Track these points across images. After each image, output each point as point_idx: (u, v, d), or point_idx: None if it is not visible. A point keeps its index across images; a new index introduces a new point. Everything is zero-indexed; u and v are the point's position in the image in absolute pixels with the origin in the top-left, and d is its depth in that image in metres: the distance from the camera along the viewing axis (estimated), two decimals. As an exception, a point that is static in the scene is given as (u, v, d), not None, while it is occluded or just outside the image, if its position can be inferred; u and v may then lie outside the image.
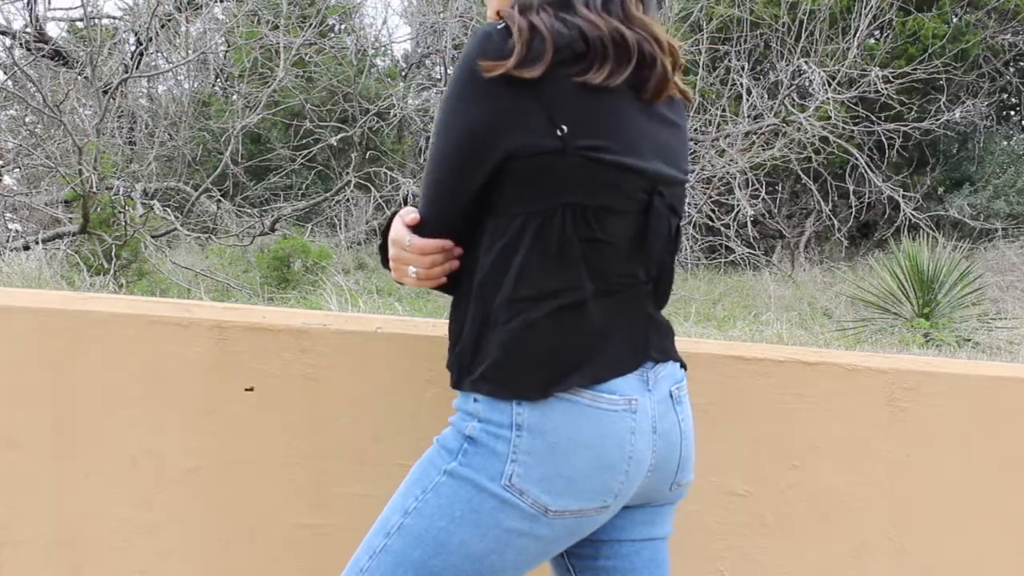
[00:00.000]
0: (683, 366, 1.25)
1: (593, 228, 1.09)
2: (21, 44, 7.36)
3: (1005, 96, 11.40)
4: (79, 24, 9.25)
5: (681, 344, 1.67)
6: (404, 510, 1.13)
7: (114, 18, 9.19)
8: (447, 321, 1.21)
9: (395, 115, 8.95)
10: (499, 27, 1.07)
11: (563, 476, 1.09)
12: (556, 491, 1.09)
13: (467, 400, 1.13)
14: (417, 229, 1.16)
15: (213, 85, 10.17)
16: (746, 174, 8.06)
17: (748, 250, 8.39)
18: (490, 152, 1.08)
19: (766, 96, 8.33)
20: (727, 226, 8.24)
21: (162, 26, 8.04)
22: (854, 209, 9.52)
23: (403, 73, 10.37)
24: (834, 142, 8.35)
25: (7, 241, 5.89)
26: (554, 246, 1.09)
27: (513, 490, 1.08)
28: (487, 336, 1.11)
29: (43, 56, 7.77)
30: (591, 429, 1.09)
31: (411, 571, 1.10)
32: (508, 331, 1.09)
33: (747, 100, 8.09)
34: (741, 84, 8.10)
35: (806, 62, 8.53)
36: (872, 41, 9.76)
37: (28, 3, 7.70)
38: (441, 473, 1.12)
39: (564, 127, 1.06)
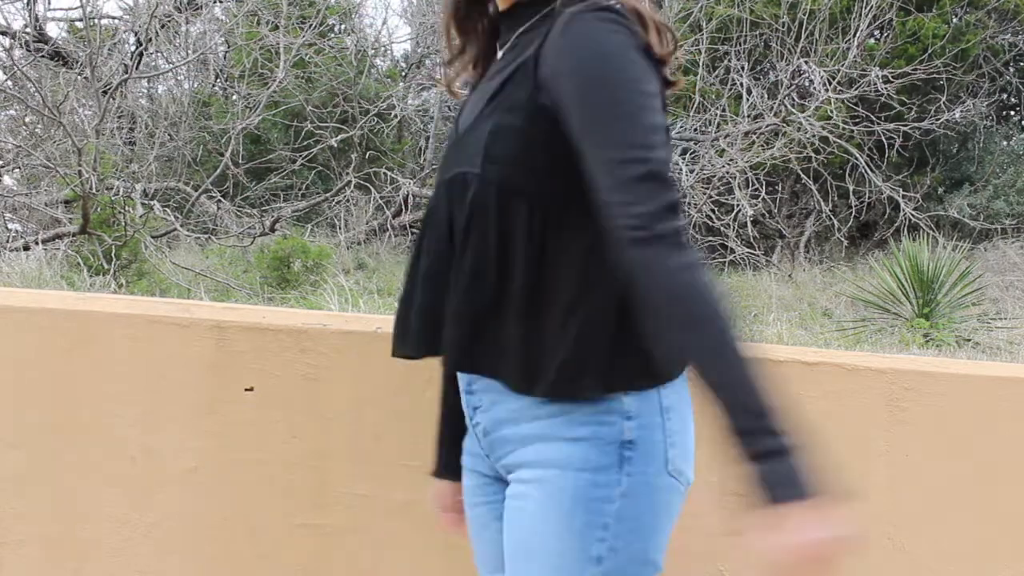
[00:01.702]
0: None
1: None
2: (21, 44, 7.36)
3: (1005, 96, 11.40)
4: (79, 24, 9.25)
5: (681, 344, 1.67)
6: (595, 558, 1.02)
7: (114, 18, 9.19)
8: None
9: (395, 116, 8.95)
10: (615, 5, 0.99)
11: (690, 449, 1.12)
12: (690, 464, 1.12)
13: (610, 403, 1.04)
14: (664, 184, 0.95)
15: (213, 85, 10.17)
16: (746, 174, 8.06)
17: (748, 250, 8.39)
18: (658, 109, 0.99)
19: (766, 96, 8.32)
20: (727, 226, 8.23)
21: (162, 26, 8.04)
22: (854, 209, 9.52)
23: (403, 73, 10.37)
24: (834, 142, 8.35)
25: (7, 241, 5.89)
26: None
27: (675, 473, 1.09)
28: (628, 329, 1.03)
29: (43, 56, 7.77)
30: (689, 399, 1.13)
31: None
32: (631, 320, 1.04)
33: (747, 100, 8.09)
34: (741, 84, 8.10)
35: (806, 62, 8.53)
36: (872, 41, 9.76)
37: (28, 3, 7.71)
38: (615, 501, 1.03)
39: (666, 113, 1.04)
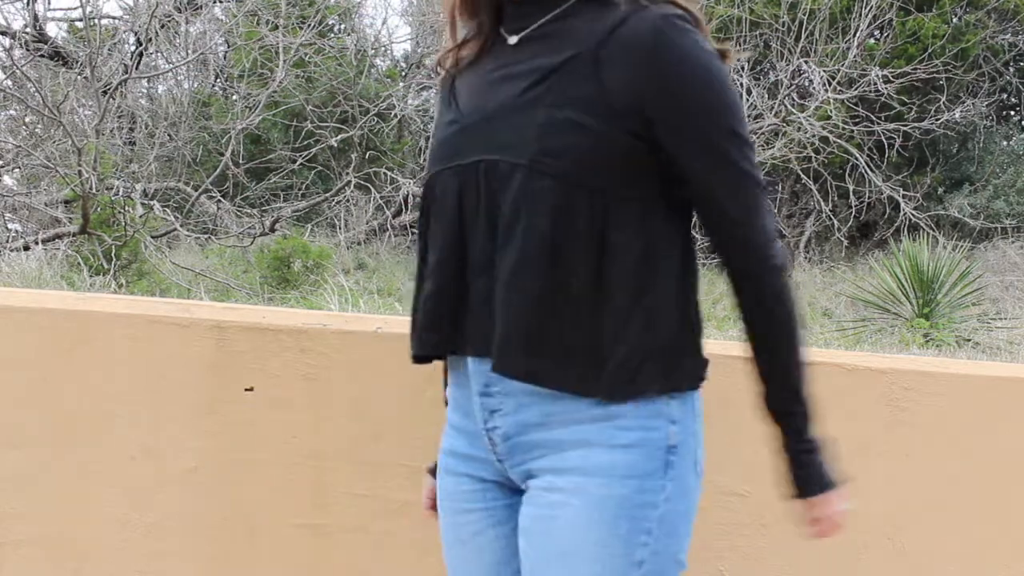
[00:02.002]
0: None
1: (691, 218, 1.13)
2: (21, 44, 7.36)
3: (1005, 96, 11.40)
4: (79, 24, 9.24)
5: (681, 344, 1.67)
6: (638, 563, 1.03)
7: (114, 18, 9.19)
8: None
9: (395, 115, 8.95)
10: (687, 12, 1.04)
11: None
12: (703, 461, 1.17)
13: (658, 405, 1.05)
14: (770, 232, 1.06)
15: (213, 85, 10.17)
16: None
17: (748, 250, 8.37)
18: None
19: (766, 96, 8.32)
20: (727, 226, 8.22)
21: (162, 26, 8.04)
22: (854, 209, 9.52)
23: (403, 73, 10.37)
24: (834, 142, 8.35)
25: (7, 241, 5.89)
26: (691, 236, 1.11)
27: (700, 472, 1.14)
28: (685, 331, 1.09)
29: (42, 56, 7.77)
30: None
31: None
32: (698, 321, 1.12)
33: (747, 100, 8.09)
34: (741, 84, 8.09)
35: (806, 62, 8.53)
36: (872, 41, 9.76)
37: (28, 3, 7.71)
38: (660, 505, 1.05)
39: None
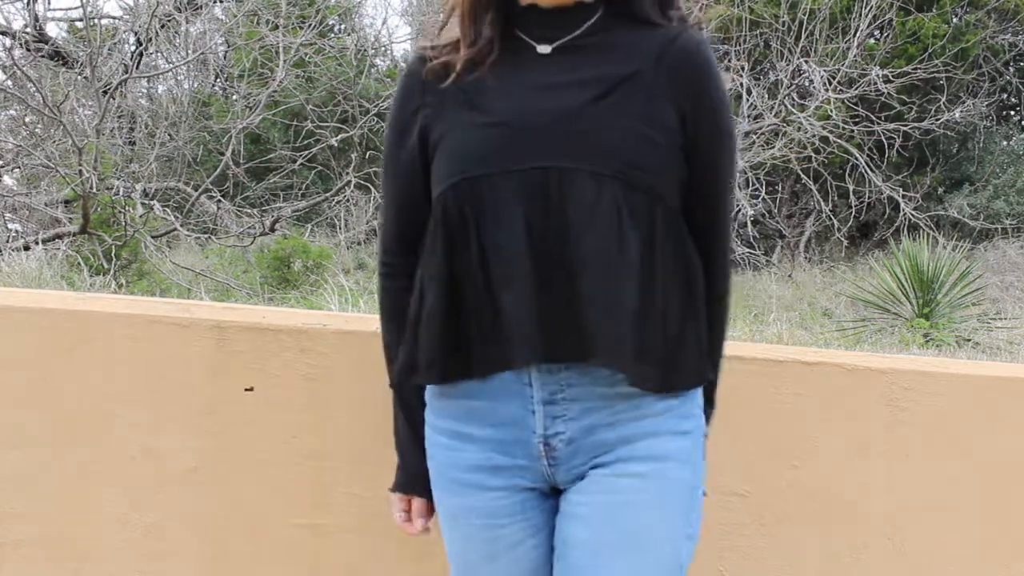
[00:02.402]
0: None
1: None
2: (21, 44, 7.36)
3: (1005, 96, 11.39)
4: (79, 24, 9.24)
5: (681, 344, 1.67)
6: (688, 536, 1.15)
7: (114, 18, 9.19)
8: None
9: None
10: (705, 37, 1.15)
11: None
12: None
13: (693, 396, 1.17)
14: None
15: (213, 85, 10.17)
16: (746, 174, 8.05)
17: (748, 250, 8.39)
18: None
19: (766, 96, 8.31)
20: (727, 226, 8.21)
21: (162, 26, 8.03)
22: (854, 209, 9.51)
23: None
24: (834, 142, 8.34)
25: (7, 241, 5.89)
26: None
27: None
28: (706, 328, 1.17)
29: (43, 56, 7.77)
30: None
31: None
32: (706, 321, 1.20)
33: (747, 100, 8.08)
34: (741, 84, 8.09)
35: (806, 62, 8.52)
36: (872, 41, 9.75)
37: (28, 3, 7.70)
38: (699, 487, 1.19)
39: None
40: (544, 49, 1.11)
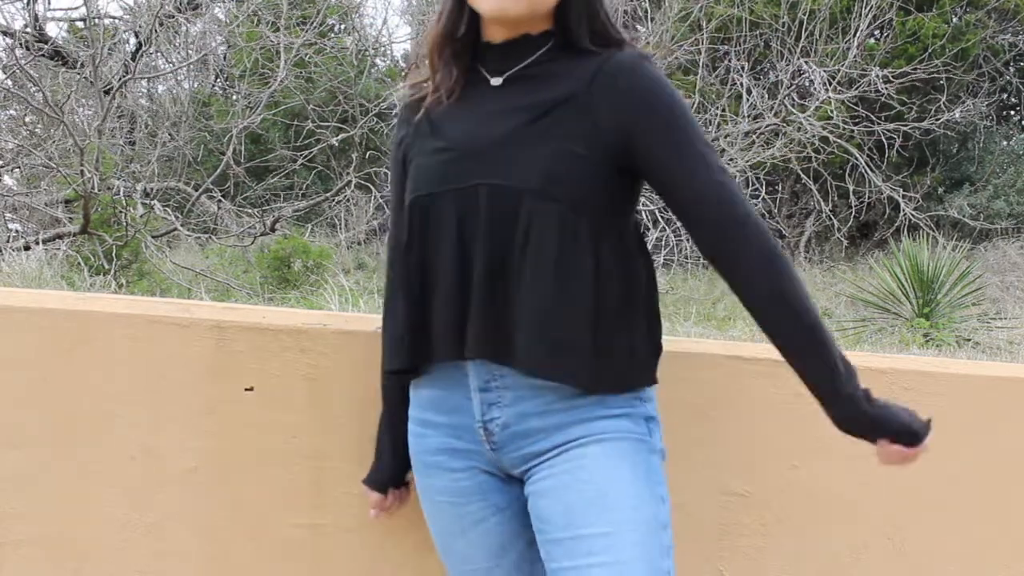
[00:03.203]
0: None
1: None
2: (21, 44, 7.35)
3: (1005, 96, 11.39)
4: (79, 24, 9.24)
5: (681, 344, 1.67)
6: (661, 498, 1.20)
7: (114, 18, 9.19)
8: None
9: (395, 115, 8.93)
10: (650, 55, 1.22)
11: None
12: None
13: (642, 392, 1.24)
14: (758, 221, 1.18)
15: (213, 85, 10.17)
16: (746, 174, 8.05)
17: (748, 250, 8.36)
18: None
19: (766, 96, 8.31)
20: (727, 226, 8.21)
21: (161, 25, 8.03)
22: (854, 209, 9.51)
23: (403, 73, 10.35)
24: (834, 142, 8.34)
25: (7, 241, 5.89)
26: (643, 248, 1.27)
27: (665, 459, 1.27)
28: (654, 332, 1.25)
29: (43, 56, 7.77)
30: None
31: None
32: (658, 328, 1.27)
33: (747, 100, 8.08)
34: (741, 84, 8.09)
35: (806, 62, 8.52)
36: (872, 41, 9.75)
37: (28, 3, 7.70)
38: (656, 453, 1.24)
39: None
40: (496, 81, 1.24)
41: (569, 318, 1.16)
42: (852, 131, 8.54)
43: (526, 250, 1.15)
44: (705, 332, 5.39)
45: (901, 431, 1.21)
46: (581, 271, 1.16)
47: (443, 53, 1.26)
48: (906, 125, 8.90)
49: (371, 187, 8.21)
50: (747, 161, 7.94)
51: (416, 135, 1.29)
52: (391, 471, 1.43)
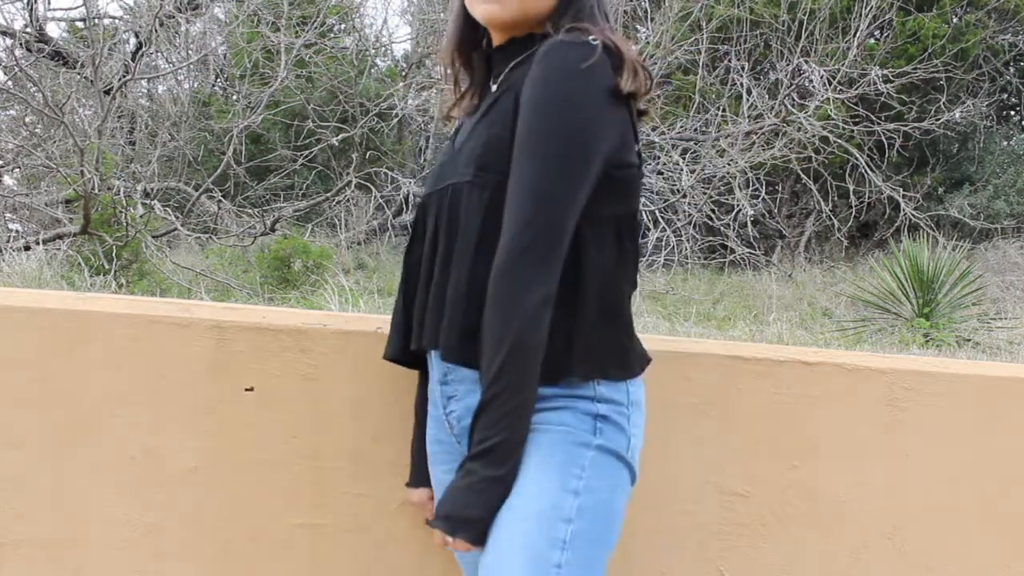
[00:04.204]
0: None
1: (635, 235, 1.22)
2: (21, 44, 7.35)
3: (1005, 96, 11.39)
4: (79, 24, 9.24)
5: (681, 344, 1.67)
6: (573, 491, 1.11)
7: (114, 18, 9.19)
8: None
9: (395, 115, 8.95)
10: (592, 40, 1.11)
11: (640, 449, 1.22)
12: (637, 465, 1.21)
13: (585, 387, 1.16)
14: (531, 235, 1.08)
15: (213, 85, 10.17)
16: (746, 174, 8.05)
17: (748, 250, 8.39)
18: (597, 159, 1.12)
19: (766, 96, 8.32)
20: (727, 226, 8.23)
21: (161, 25, 8.03)
22: (854, 209, 9.51)
23: (403, 73, 10.36)
24: (834, 142, 8.34)
25: (7, 241, 5.89)
26: (629, 251, 1.20)
27: (632, 461, 1.19)
28: (606, 329, 1.17)
29: (43, 56, 7.77)
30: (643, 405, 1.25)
31: (603, 548, 1.12)
32: (624, 323, 1.20)
33: (747, 100, 8.08)
34: (741, 84, 8.09)
35: (806, 62, 8.52)
36: (872, 41, 9.75)
37: (28, 3, 7.70)
38: (592, 449, 1.14)
39: (638, 145, 1.20)
40: (493, 87, 1.26)
41: (482, 302, 1.10)
42: (852, 131, 8.55)
43: (456, 238, 1.17)
44: (705, 332, 5.39)
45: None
46: (470, 259, 1.15)
47: (455, 62, 1.31)
48: (906, 125, 8.90)
49: (371, 187, 8.21)
50: (747, 161, 7.94)
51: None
52: (421, 470, 1.40)
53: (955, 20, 9.96)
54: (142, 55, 8.39)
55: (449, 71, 1.31)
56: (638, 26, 8.69)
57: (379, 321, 1.57)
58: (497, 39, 1.26)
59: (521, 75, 1.17)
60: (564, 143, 1.09)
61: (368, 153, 9.07)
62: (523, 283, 1.07)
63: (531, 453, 1.12)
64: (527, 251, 1.07)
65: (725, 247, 8.47)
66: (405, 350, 1.30)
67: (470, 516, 1.08)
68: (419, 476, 1.42)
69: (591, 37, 1.11)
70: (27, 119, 7.83)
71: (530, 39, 1.22)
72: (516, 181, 1.10)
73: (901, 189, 9.02)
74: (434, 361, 1.26)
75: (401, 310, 1.31)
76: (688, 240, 8.14)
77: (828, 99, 8.21)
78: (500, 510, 1.09)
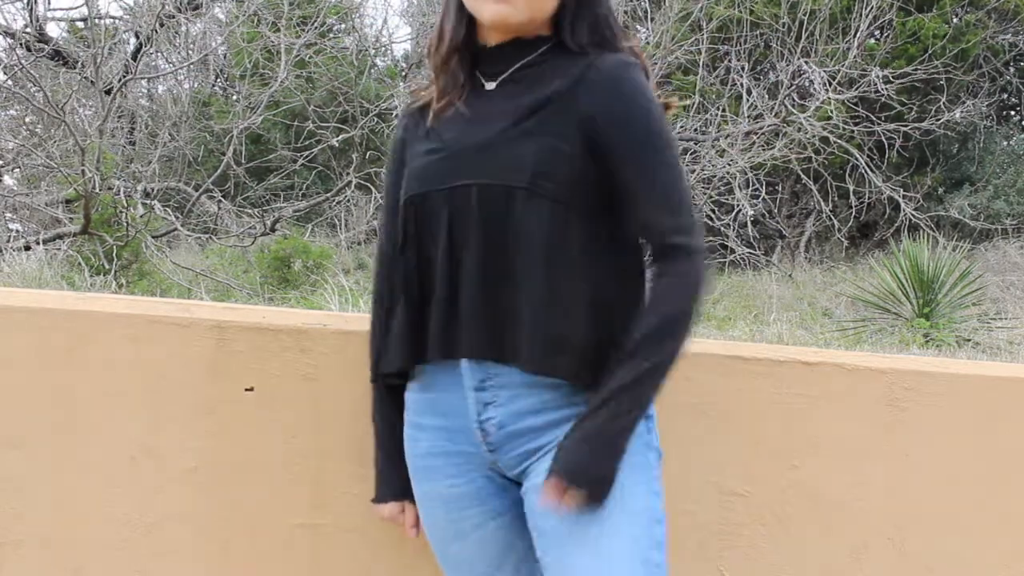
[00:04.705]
0: None
1: None
2: (21, 44, 7.35)
3: (1005, 96, 11.39)
4: (79, 24, 9.24)
5: (681, 344, 1.67)
6: (656, 493, 1.19)
7: (114, 18, 9.18)
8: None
9: (396, 115, 8.94)
10: (636, 61, 1.22)
11: None
12: None
13: None
14: (701, 237, 1.20)
15: (213, 85, 10.17)
16: (746, 174, 8.05)
17: (748, 250, 8.38)
18: None
19: (766, 96, 8.31)
20: (727, 226, 8.23)
21: (162, 25, 8.02)
22: (854, 209, 9.51)
23: (403, 73, 10.36)
24: (834, 142, 8.34)
25: (7, 241, 5.89)
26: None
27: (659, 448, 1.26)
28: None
29: (43, 56, 7.77)
30: None
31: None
32: None
33: (747, 100, 8.08)
34: (741, 84, 8.09)
35: (806, 62, 8.52)
36: (872, 41, 9.75)
37: (28, 3, 7.69)
38: (652, 450, 1.23)
39: None
40: (490, 85, 1.26)
41: (564, 314, 1.16)
42: (852, 131, 8.54)
43: (518, 248, 1.17)
44: (705, 332, 5.39)
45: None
46: (573, 266, 1.17)
47: (451, 61, 1.28)
48: (906, 125, 8.90)
49: (371, 187, 8.21)
50: (747, 161, 7.94)
51: (413, 139, 1.31)
52: (390, 483, 1.38)
53: (955, 20, 9.96)
54: (142, 55, 8.39)
55: (440, 72, 1.28)
56: (638, 26, 8.69)
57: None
58: (495, 38, 1.26)
59: (548, 80, 1.20)
60: (677, 152, 1.24)
61: (368, 153, 9.07)
62: (704, 282, 1.18)
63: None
64: (703, 251, 1.19)
65: (725, 247, 8.47)
66: (412, 359, 1.26)
67: (606, 475, 1.13)
68: (387, 489, 1.38)
69: (633, 58, 1.22)
70: (27, 119, 7.83)
71: (537, 40, 1.24)
72: (662, 186, 1.18)
73: (901, 189, 9.02)
74: (465, 370, 1.22)
75: (407, 320, 1.26)
76: (688, 240, 8.11)
77: (828, 99, 8.21)
78: (596, 512, 1.12)
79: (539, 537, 1.19)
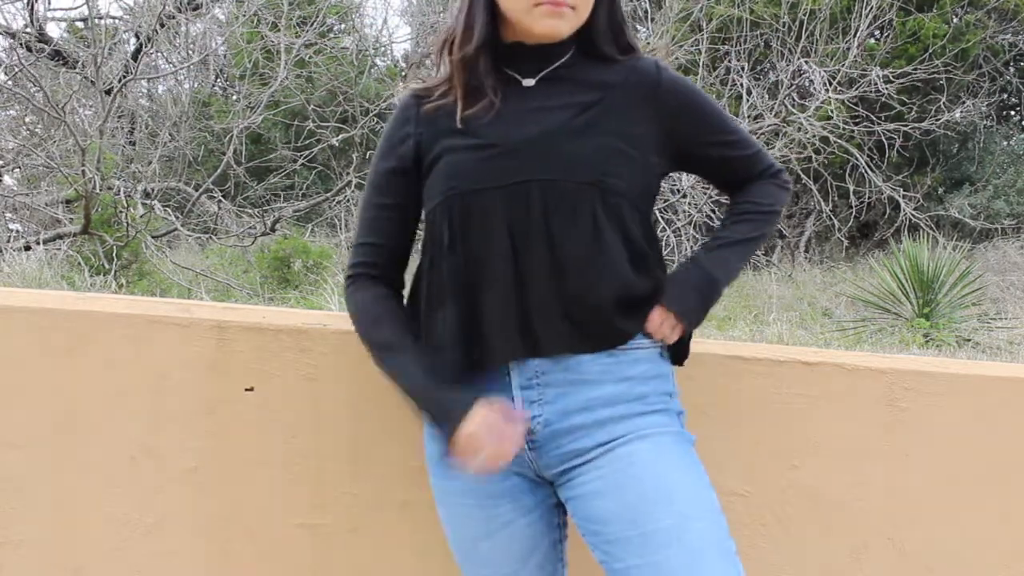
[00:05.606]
0: None
1: None
2: (22, 44, 7.35)
3: (1005, 96, 11.40)
4: (79, 24, 9.24)
5: (681, 344, 1.67)
6: (710, 485, 1.22)
7: (114, 18, 9.18)
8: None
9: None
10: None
11: None
12: None
13: (669, 384, 1.31)
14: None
15: (213, 85, 10.17)
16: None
17: (748, 250, 8.36)
18: None
19: (766, 96, 8.31)
20: (727, 226, 8.20)
21: (162, 26, 8.03)
22: (854, 209, 9.52)
23: (403, 73, 10.36)
24: (834, 142, 8.34)
25: (7, 241, 5.89)
26: None
27: None
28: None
29: (44, 56, 7.77)
30: None
31: None
32: None
33: (747, 100, 8.08)
34: (741, 84, 8.09)
35: (806, 62, 8.52)
36: (872, 41, 9.76)
37: (28, 3, 7.70)
38: (691, 444, 1.27)
39: None
40: (528, 82, 1.27)
41: (631, 308, 1.24)
42: (852, 131, 8.55)
43: (590, 245, 1.19)
44: (705, 332, 5.39)
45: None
46: (636, 261, 1.24)
47: (480, 57, 1.25)
48: (906, 125, 8.91)
49: (371, 187, 8.19)
50: (747, 161, 7.91)
51: (437, 133, 1.27)
52: (463, 390, 1.21)
53: (955, 20, 9.97)
54: (142, 55, 8.39)
55: (463, 67, 1.25)
56: (638, 26, 8.69)
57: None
58: (534, 39, 1.26)
59: (590, 81, 1.27)
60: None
61: (368, 153, 9.06)
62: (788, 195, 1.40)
63: (668, 458, 1.20)
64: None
65: (725, 247, 8.44)
66: (473, 363, 1.21)
67: (702, 319, 1.32)
68: (461, 399, 1.20)
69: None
70: (27, 119, 7.83)
71: (568, 41, 1.28)
72: (743, 148, 1.35)
73: (901, 189, 9.02)
74: (514, 367, 1.21)
75: (458, 325, 1.21)
76: (688, 240, 8.14)
77: (828, 99, 8.21)
78: (673, 509, 1.16)
79: (610, 544, 1.16)
